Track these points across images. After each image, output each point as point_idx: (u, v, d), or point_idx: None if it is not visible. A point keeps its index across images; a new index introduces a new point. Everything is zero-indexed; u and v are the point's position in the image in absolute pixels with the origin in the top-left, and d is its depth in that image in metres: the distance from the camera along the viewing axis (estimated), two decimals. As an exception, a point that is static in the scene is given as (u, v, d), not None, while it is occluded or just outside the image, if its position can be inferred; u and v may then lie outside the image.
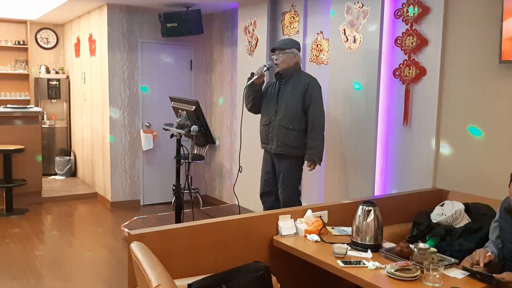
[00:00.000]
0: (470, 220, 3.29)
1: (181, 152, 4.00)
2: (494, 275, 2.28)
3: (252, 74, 4.11)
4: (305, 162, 4.04)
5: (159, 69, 6.52)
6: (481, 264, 2.36)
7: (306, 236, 2.87)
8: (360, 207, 2.72)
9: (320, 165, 4.04)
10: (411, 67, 3.84)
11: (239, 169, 4.34)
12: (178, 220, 4.08)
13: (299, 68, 4.13)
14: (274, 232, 2.92)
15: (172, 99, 4.18)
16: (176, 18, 5.88)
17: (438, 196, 3.70)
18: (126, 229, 4.91)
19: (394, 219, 3.42)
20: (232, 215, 2.87)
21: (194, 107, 3.78)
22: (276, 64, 4.08)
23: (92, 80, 6.83)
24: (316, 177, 4.76)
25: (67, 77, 8.05)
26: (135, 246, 2.04)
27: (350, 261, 2.44)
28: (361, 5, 4.16)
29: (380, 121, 4.13)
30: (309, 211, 2.99)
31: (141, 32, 6.34)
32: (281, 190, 4.17)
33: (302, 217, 2.99)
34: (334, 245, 2.57)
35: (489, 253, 2.39)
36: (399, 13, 3.90)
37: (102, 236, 5.21)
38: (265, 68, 4.08)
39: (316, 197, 4.82)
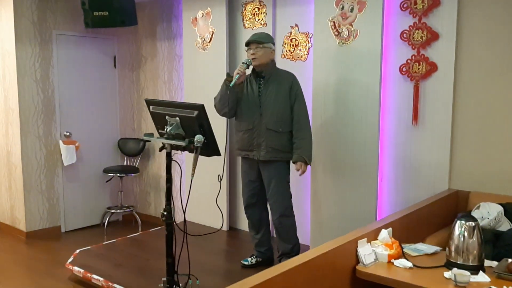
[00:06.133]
0: (510, 222, 3.17)
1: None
2: None
3: (228, 75, 3.68)
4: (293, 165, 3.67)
5: (78, 67, 5.43)
6: None
7: (392, 262, 2.42)
8: (459, 222, 2.37)
9: (310, 165, 3.69)
10: (421, 62, 3.61)
11: (219, 179, 3.73)
12: (169, 253, 3.29)
13: (275, 65, 3.78)
14: (352, 261, 2.42)
15: (150, 102, 3.35)
16: (106, 6, 4.88)
17: (456, 198, 3.55)
18: (76, 268, 3.91)
19: (425, 230, 3.16)
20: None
21: (196, 112, 3.04)
22: (253, 58, 3.64)
23: (-15, 81, 5.43)
24: (302, 187, 4.32)
25: None
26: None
27: (490, 290, 2.06)
28: (356, -5, 3.82)
29: (384, 121, 3.84)
30: (384, 231, 2.54)
31: (55, 22, 5.19)
32: (275, 199, 3.72)
33: (375, 240, 2.54)
34: (455, 272, 2.16)
35: None
36: (405, 5, 3.64)
37: (38, 277, 4.08)
38: (245, 66, 3.62)
39: (302, 210, 4.37)
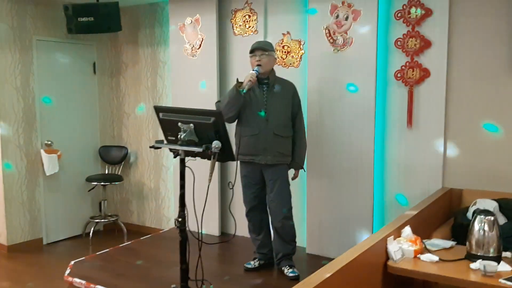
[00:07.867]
0: (504, 216, 3.42)
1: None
2: None
3: (238, 80, 3.73)
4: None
5: (58, 74, 5.29)
6: None
7: (418, 257, 2.57)
8: (478, 218, 2.56)
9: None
10: (415, 69, 3.82)
11: (230, 186, 3.72)
12: (183, 259, 3.29)
13: (275, 73, 3.87)
14: (383, 258, 2.54)
15: (160, 109, 3.34)
16: (92, 12, 4.82)
17: (450, 196, 3.78)
18: (77, 279, 3.81)
19: (428, 228, 3.35)
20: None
21: (213, 118, 3.08)
22: (258, 65, 3.72)
23: (-43, 88, 5.16)
24: (297, 189, 4.42)
25: None
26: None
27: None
28: (350, 4, 3.98)
29: (380, 124, 4.03)
30: (407, 228, 2.69)
31: (35, 27, 5.03)
32: (279, 200, 3.82)
33: (399, 237, 2.68)
34: (484, 262, 2.33)
35: None
36: (399, 15, 3.84)
37: (32, 293, 3.95)
38: (256, 74, 3.68)
39: (297, 212, 4.47)
